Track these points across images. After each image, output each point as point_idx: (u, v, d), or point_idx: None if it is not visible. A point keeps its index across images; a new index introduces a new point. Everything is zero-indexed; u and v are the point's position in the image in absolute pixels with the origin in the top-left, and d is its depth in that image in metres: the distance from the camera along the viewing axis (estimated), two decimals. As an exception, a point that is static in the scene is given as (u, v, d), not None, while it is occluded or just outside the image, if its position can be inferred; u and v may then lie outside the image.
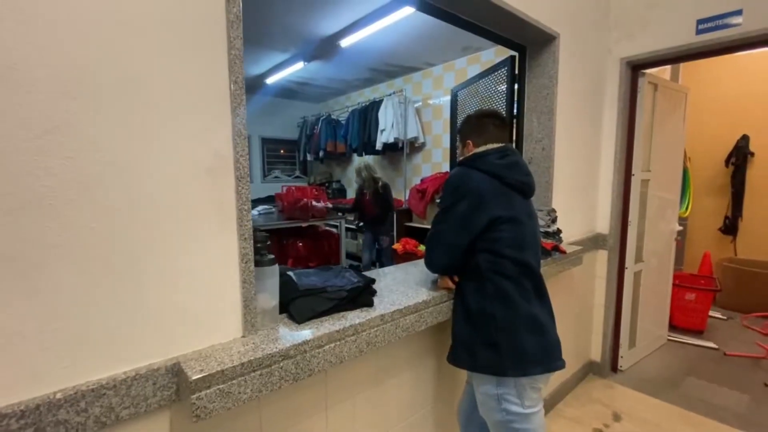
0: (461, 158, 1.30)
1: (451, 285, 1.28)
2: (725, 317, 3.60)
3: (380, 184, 3.92)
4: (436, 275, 1.36)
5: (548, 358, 1.16)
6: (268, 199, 5.05)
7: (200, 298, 0.82)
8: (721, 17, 2.04)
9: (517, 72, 2.09)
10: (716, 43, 2.05)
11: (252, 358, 0.79)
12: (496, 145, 1.26)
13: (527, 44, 2.04)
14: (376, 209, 3.95)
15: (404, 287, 1.29)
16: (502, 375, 1.13)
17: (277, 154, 6.68)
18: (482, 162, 1.22)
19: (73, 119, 0.66)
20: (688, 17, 2.13)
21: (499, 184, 1.19)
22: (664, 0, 2.21)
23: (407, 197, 4.66)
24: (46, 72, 0.64)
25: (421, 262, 1.61)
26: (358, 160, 3.70)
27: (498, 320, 1.14)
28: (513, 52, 2.08)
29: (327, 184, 6.15)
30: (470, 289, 1.21)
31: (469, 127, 1.34)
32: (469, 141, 1.31)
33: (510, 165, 1.23)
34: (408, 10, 2.83)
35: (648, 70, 2.46)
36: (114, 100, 0.70)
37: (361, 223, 4.30)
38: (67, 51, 0.65)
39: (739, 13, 1.98)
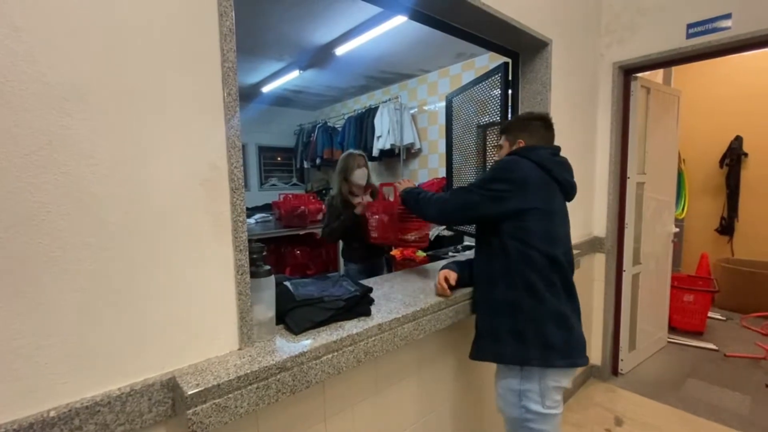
0: (509, 152, 1.33)
1: (447, 292, 1.28)
2: (724, 318, 3.60)
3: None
4: (435, 283, 1.36)
5: (573, 353, 1.17)
6: (266, 207, 5.04)
7: (196, 311, 0.82)
8: (710, 21, 2.06)
9: (510, 78, 2.10)
10: (707, 46, 2.08)
11: (248, 371, 0.78)
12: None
13: (520, 50, 2.06)
14: None
15: (402, 295, 1.29)
16: (527, 364, 1.14)
17: (274, 161, 6.67)
18: (534, 153, 1.25)
19: (68, 134, 0.66)
20: (679, 22, 2.15)
21: (546, 177, 1.23)
22: (654, 5, 2.24)
23: (405, 203, 4.65)
24: (40, 88, 0.64)
25: (420, 269, 1.60)
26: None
27: (525, 310, 1.16)
28: (506, 59, 2.10)
29: (324, 191, 6.15)
30: (497, 280, 1.22)
31: (520, 126, 1.38)
32: (520, 140, 1.34)
33: (560, 163, 1.29)
34: (402, 19, 2.85)
35: (640, 74, 2.49)
36: (108, 114, 0.70)
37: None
38: (62, 66, 0.65)
39: (728, 16, 2.01)
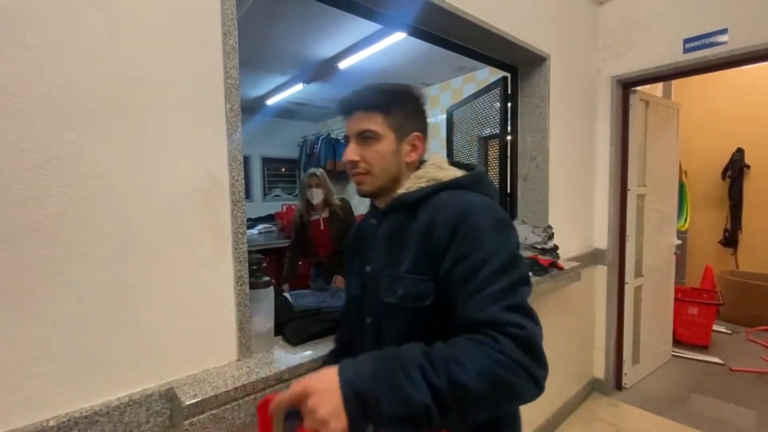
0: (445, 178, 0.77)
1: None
2: (729, 331, 3.55)
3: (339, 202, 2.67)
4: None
5: None
6: (269, 218, 5.07)
7: (195, 322, 0.83)
8: (707, 36, 2.09)
9: (510, 92, 2.13)
10: (703, 61, 2.10)
11: (246, 382, 0.79)
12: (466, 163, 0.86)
13: (518, 65, 2.09)
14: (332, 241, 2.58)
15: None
16: None
17: (277, 173, 6.73)
18: (486, 185, 0.78)
19: (73, 148, 0.68)
20: (675, 37, 2.18)
21: None
22: (650, 21, 2.27)
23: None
24: (46, 103, 0.66)
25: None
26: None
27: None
28: (505, 73, 2.13)
29: (327, 202, 6.18)
30: None
31: (415, 109, 0.81)
32: (419, 134, 0.80)
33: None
34: (404, 34, 2.91)
35: (639, 87, 2.51)
36: (113, 128, 0.72)
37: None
38: (68, 82, 0.68)
39: (724, 32, 2.04)
